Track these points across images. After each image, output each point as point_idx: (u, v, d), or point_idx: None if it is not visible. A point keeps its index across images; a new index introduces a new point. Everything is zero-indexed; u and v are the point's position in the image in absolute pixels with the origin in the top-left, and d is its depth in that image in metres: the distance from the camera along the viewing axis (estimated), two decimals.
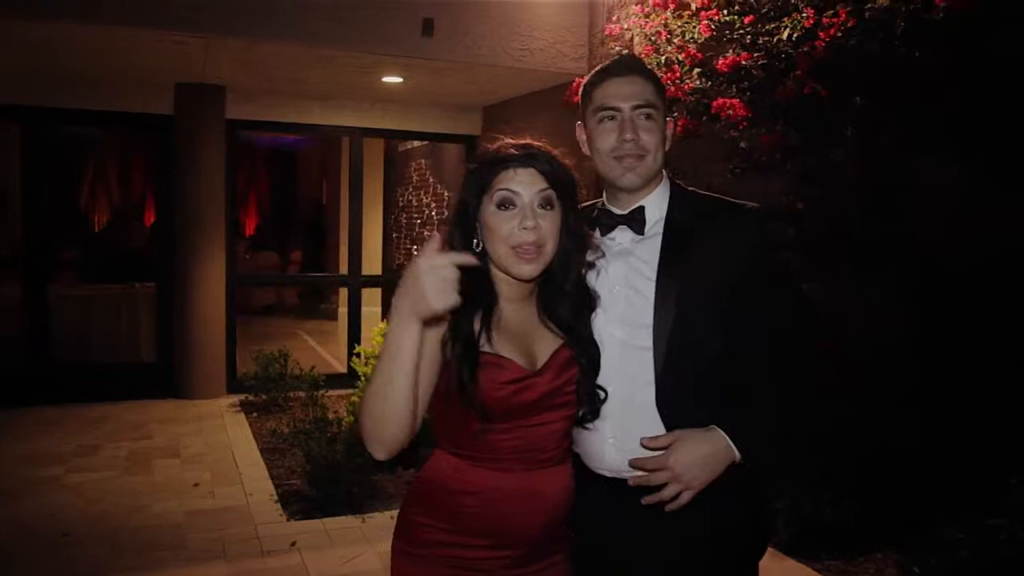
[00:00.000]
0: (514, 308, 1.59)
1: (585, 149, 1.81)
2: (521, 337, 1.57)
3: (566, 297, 1.62)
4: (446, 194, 8.18)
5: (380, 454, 1.43)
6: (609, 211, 1.78)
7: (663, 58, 4.73)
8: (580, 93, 1.83)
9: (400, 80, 6.02)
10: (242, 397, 6.43)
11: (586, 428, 1.68)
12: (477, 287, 1.50)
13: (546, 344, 1.59)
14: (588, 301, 1.66)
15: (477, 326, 1.49)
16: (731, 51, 4.43)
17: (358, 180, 7.26)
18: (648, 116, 1.71)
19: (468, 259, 1.38)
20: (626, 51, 4.97)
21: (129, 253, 7.91)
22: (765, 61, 4.36)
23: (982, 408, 3.78)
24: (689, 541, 1.65)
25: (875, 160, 4.20)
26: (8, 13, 4.48)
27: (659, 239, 1.72)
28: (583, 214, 1.75)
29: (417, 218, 9.04)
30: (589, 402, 1.62)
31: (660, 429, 1.63)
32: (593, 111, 1.75)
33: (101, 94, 6.29)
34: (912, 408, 4.02)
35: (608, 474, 1.68)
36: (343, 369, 7.08)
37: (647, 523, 1.64)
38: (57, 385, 6.35)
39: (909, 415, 4.02)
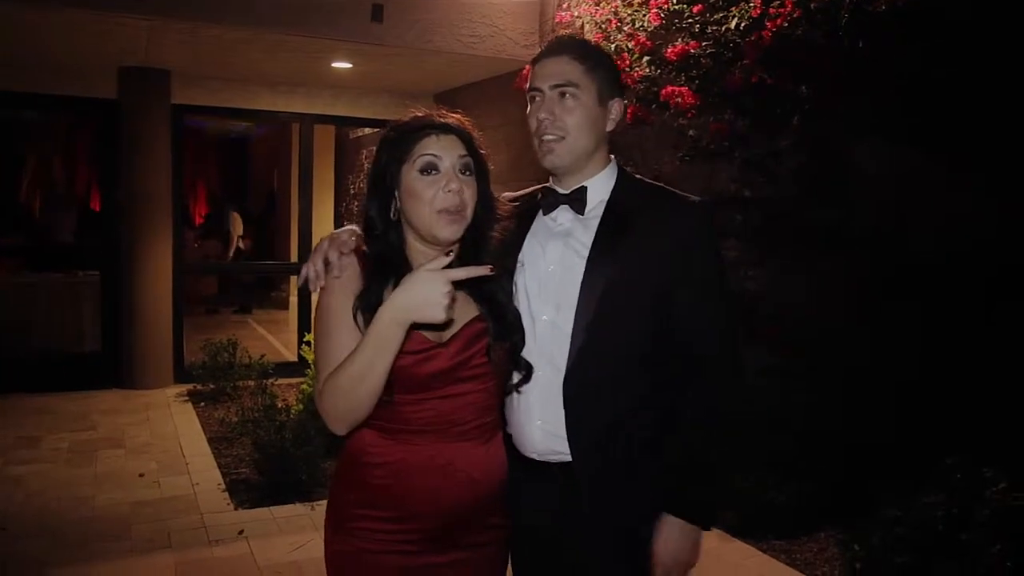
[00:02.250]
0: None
1: None
2: None
3: (483, 254, 1.62)
4: None
5: (343, 430, 1.50)
6: (553, 190, 1.77)
7: (613, 46, 4.75)
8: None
9: (350, 66, 5.96)
10: (190, 387, 6.33)
11: (515, 409, 1.68)
12: (391, 259, 1.56)
13: (459, 316, 1.56)
14: (505, 271, 1.67)
15: (386, 297, 1.46)
16: (680, 40, 4.47)
17: (308, 167, 7.17)
18: (565, 95, 1.67)
19: (474, 271, 1.44)
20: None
21: (72, 241, 7.69)
22: (714, 50, 4.41)
23: (923, 390, 3.89)
24: (619, 526, 1.67)
25: (820, 148, 4.30)
26: None
27: (597, 218, 1.71)
28: (522, 195, 1.83)
29: None
30: (507, 373, 1.63)
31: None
32: (527, 93, 1.75)
33: (40, 77, 6.11)
34: (855, 391, 4.12)
35: (537, 457, 1.68)
36: (293, 357, 7.01)
37: (574, 508, 1.65)
38: None
39: (852, 398, 4.12)
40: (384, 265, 1.54)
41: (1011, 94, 3.56)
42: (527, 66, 4.91)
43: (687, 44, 4.45)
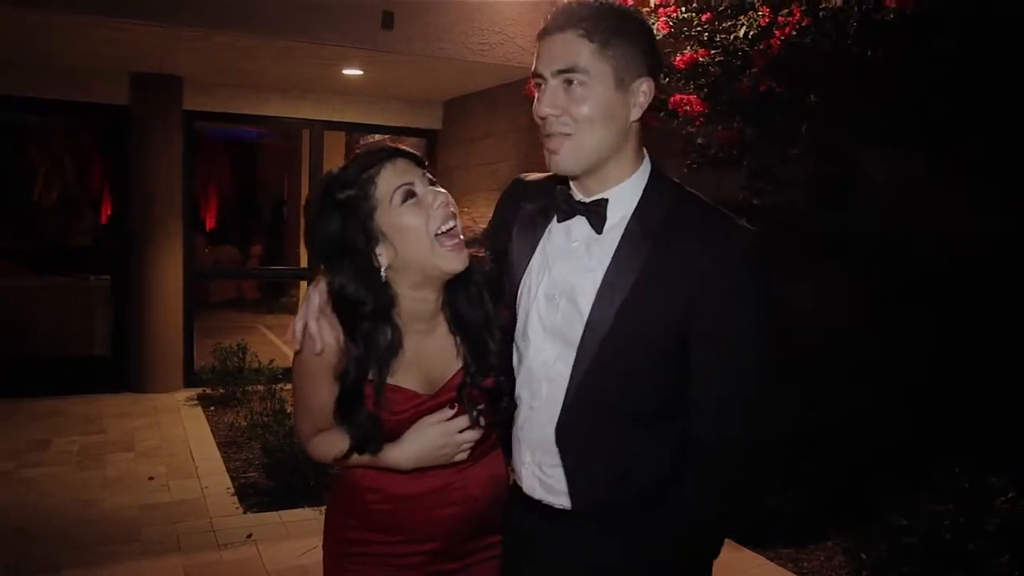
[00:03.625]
0: (418, 333, 1.52)
1: None
2: (421, 360, 1.52)
3: (473, 301, 1.54)
4: None
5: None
6: (570, 194, 1.46)
7: None
8: None
9: (360, 73, 5.99)
10: (200, 391, 6.37)
11: (511, 443, 1.55)
12: (378, 326, 1.47)
13: (447, 364, 1.53)
14: (494, 312, 1.55)
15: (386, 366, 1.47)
16: (689, 48, 4.49)
17: (318, 173, 7.21)
18: (574, 83, 1.35)
19: (470, 433, 1.48)
20: None
21: (83, 245, 7.75)
22: (722, 58, 4.43)
23: (930, 397, 3.89)
24: (609, 568, 1.47)
25: (829, 155, 4.30)
26: None
27: (616, 239, 1.41)
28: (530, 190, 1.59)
29: None
30: (480, 412, 1.53)
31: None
32: (532, 79, 1.43)
33: (53, 82, 6.15)
34: (861, 398, 4.12)
35: (534, 496, 1.51)
36: None
37: (567, 549, 1.49)
38: (6, 379, 6.20)
39: (859, 404, 4.12)
40: (369, 340, 1.46)
41: (1016, 100, 3.56)
42: None
43: (696, 52, 4.47)
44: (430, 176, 1.48)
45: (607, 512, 1.45)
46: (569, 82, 1.36)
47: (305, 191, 7.69)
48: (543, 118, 1.39)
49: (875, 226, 4.15)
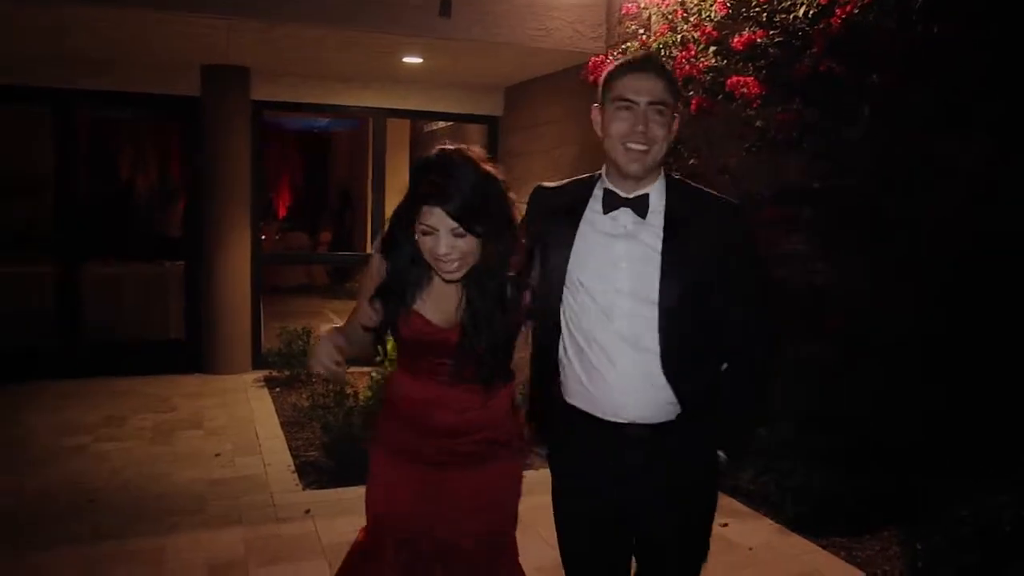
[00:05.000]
0: (442, 284, 1.99)
1: (598, 130, 2.00)
2: (439, 302, 1.99)
3: (485, 293, 1.95)
4: None
5: None
6: (615, 193, 1.98)
7: (679, 37, 4.72)
8: (602, 80, 2.01)
9: (420, 61, 6.07)
10: (266, 373, 6.58)
11: (594, 383, 1.95)
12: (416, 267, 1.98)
13: (454, 315, 1.99)
14: (504, 301, 1.98)
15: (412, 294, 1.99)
16: (747, 29, 4.42)
17: (380, 161, 7.34)
18: (660, 112, 1.90)
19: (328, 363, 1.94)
20: (643, 30, 4.97)
21: (160, 233, 8.07)
22: (781, 39, 4.34)
23: (995, 388, 3.76)
24: (677, 471, 1.97)
25: (891, 138, 4.18)
26: None
27: (659, 222, 1.95)
28: (562, 196, 2.09)
29: None
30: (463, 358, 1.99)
31: (662, 382, 1.92)
32: (612, 99, 1.93)
33: (130, 76, 6.42)
34: (925, 386, 4.01)
35: (621, 422, 1.94)
36: None
37: (641, 459, 1.95)
38: (87, 360, 6.53)
39: (922, 393, 4.01)
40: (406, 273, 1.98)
41: None
42: (592, 58, 4.92)
43: (754, 33, 4.39)
44: (460, 232, 1.85)
45: (690, 425, 1.96)
46: (659, 112, 1.90)
47: (371, 179, 7.82)
48: (632, 132, 1.90)
49: (938, 211, 4.01)
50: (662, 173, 2.00)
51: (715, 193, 2.04)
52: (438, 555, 2.03)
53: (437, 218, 1.83)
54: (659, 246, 1.91)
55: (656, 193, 1.96)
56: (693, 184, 2.07)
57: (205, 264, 6.68)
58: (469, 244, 1.86)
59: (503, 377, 2.05)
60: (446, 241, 1.85)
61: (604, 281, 1.93)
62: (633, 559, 2.10)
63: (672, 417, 1.94)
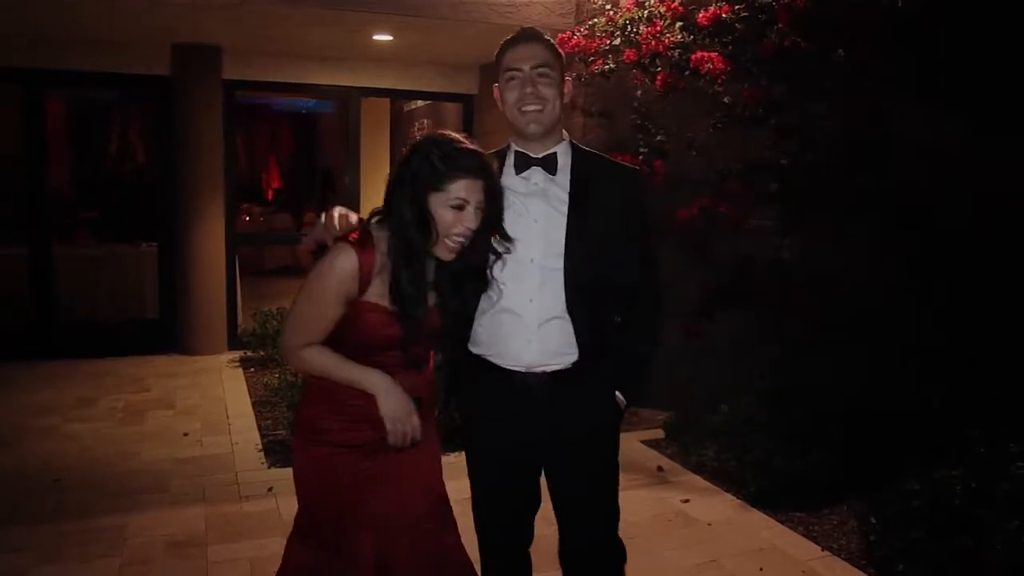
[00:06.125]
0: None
1: (500, 106, 2.15)
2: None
3: (457, 272, 1.99)
4: None
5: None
6: (524, 154, 2.14)
7: (646, 12, 4.69)
8: (495, 61, 2.16)
9: (391, 38, 6.02)
10: (242, 353, 6.59)
11: (501, 335, 2.08)
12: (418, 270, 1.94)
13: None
14: (472, 281, 2.03)
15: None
16: (712, 4, 4.39)
17: (356, 140, 7.30)
18: (545, 75, 2.06)
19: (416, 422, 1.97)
20: (610, 6, 4.94)
21: (134, 214, 8.01)
22: (747, 14, 4.32)
23: (955, 361, 3.78)
24: (578, 414, 2.12)
25: (856, 113, 4.17)
26: None
27: (566, 182, 2.13)
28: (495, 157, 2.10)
29: None
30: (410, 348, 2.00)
31: (568, 330, 2.06)
32: (502, 72, 2.11)
33: (100, 56, 6.35)
34: (886, 361, 4.03)
35: (523, 369, 2.07)
36: None
37: (542, 405, 2.09)
38: (62, 342, 6.53)
39: (883, 368, 4.03)
40: (411, 254, 1.89)
41: None
42: (561, 35, 4.89)
43: (719, 8, 4.36)
44: (483, 208, 1.91)
45: (589, 368, 2.10)
46: (542, 74, 2.05)
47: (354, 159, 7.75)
48: (523, 96, 2.07)
49: (902, 187, 4.01)
50: (566, 138, 2.18)
51: (611, 159, 2.28)
52: (401, 533, 2.00)
53: (472, 192, 1.88)
54: (567, 201, 2.08)
55: (563, 154, 2.14)
56: (594, 151, 2.27)
57: (179, 245, 6.66)
58: (479, 222, 1.93)
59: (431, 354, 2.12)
60: (473, 215, 1.89)
61: (518, 236, 2.04)
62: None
63: (569, 365, 2.09)
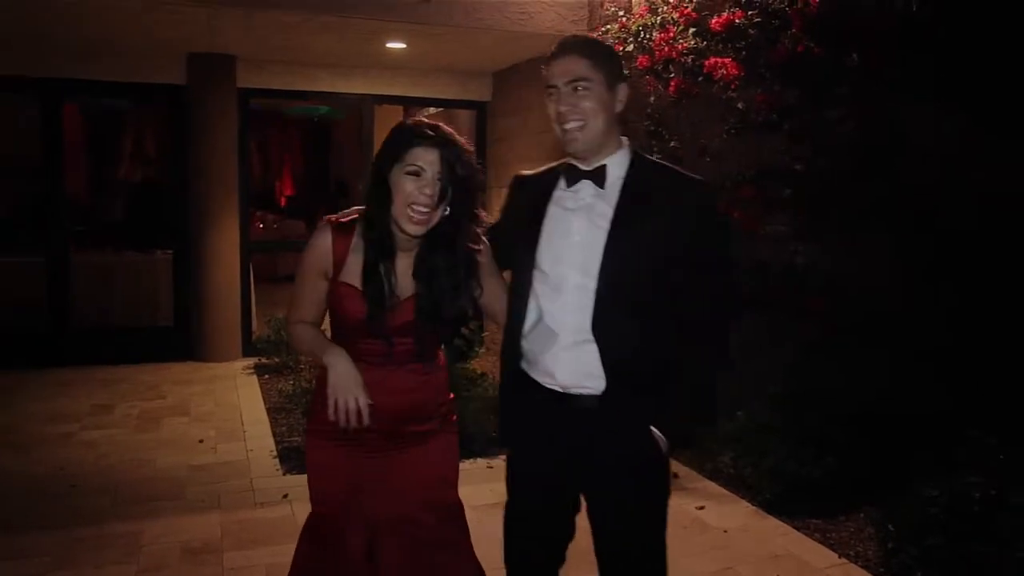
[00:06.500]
0: (402, 257, 2.01)
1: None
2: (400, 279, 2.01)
3: (433, 265, 1.99)
4: None
5: None
6: (576, 167, 2.02)
7: (659, 19, 4.69)
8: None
9: (404, 46, 6.04)
10: (256, 360, 6.61)
11: (541, 353, 1.99)
12: (382, 243, 1.98)
13: (403, 290, 2.00)
14: (461, 280, 2.02)
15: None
16: (726, 10, 4.39)
17: (369, 147, 7.32)
18: (583, 87, 1.93)
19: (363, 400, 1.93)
20: (623, 12, 4.95)
21: (149, 221, 8.07)
22: (760, 19, 4.31)
23: (970, 366, 3.75)
24: (624, 448, 1.97)
25: (870, 118, 4.15)
26: None
27: (616, 195, 1.97)
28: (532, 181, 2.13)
29: None
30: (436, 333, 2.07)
31: (595, 352, 1.93)
32: (544, 88, 2.02)
33: (117, 65, 6.42)
34: (901, 367, 4.00)
35: (560, 389, 1.98)
36: None
37: (591, 430, 1.97)
38: (78, 348, 6.58)
39: (898, 373, 3.99)
40: (382, 247, 1.96)
41: None
42: None
43: (732, 14, 4.36)
44: (440, 174, 1.91)
45: (622, 396, 1.94)
46: (576, 88, 1.94)
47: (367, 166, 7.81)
48: (560, 113, 1.97)
49: (916, 192, 3.99)
50: (625, 148, 2.03)
51: (680, 170, 2.05)
52: (391, 532, 2.04)
53: (427, 159, 1.90)
54: (610, 217, 1.94)
55: (616, 165, 1.99)
56: (662, 162, 2.08)
57: (193, 252, 6.70)
58: (443, 201, 1.92)
59: (436, 354, 2.11)
60: (431, 183, 1.89)
61: (558, 254, 1.98)
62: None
63: (600, 391, 1.95)
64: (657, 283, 1.94)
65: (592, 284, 1.93)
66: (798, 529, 3.65)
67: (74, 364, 6.45)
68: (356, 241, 1.98)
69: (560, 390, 1.98)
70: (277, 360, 6.40)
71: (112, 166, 8.29)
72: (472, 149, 1.99)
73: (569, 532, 2.14)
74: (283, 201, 13.32)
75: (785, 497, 3.81)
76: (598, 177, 1.98)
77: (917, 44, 3.89)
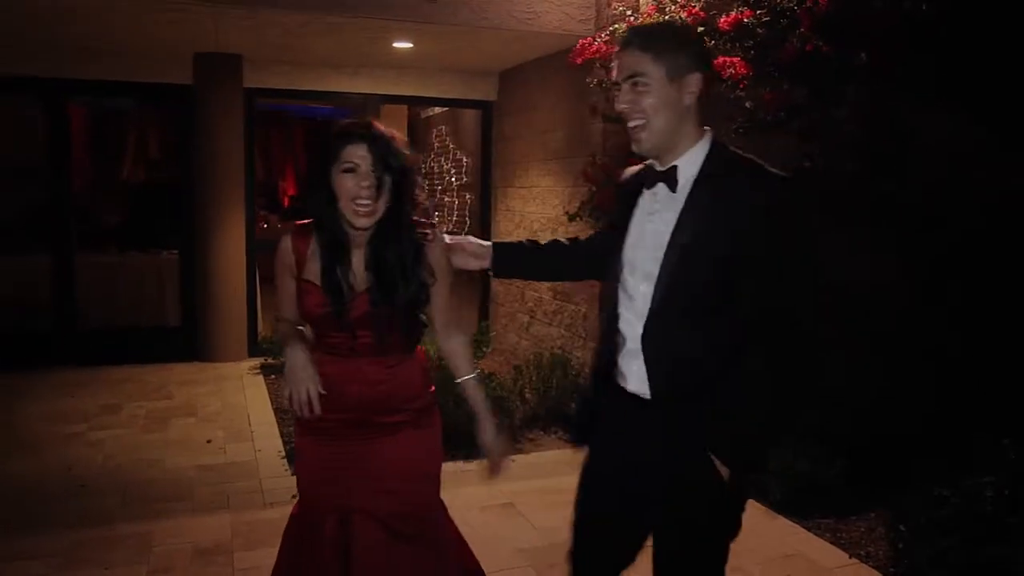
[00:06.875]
0: (356, 253, 2.12)
1: None
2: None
3: (392, 254, 2.09)
4: (465, 160, 8.20)
5: None
6: (652, 167, 1.94)
7: (666, 18, 4.67)
8: None
9: (410, 46, 6.04)
10: (262, 360, 6.61)
11: (622, 355, 1.94)
12: (335, 241, 2.10)
13: (359, 284, 2.10)
14: (408, 265, 2.10)
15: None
16: (734, 9, 4.37)
17: None
18: (640, 83, 1.82)
19: (313, 390, 2.03)
20: (631, 12, 4.93)
21: (155, 222, 8.07)
22: (768, 18, 4.30)
23: (980, 367, 3.74)
24: (674, 465, 1.87)
25: (879, 117, 4.14)
26: None
27: (684, 196, 1.86)
28: None
29: (438, 184, 9.10)
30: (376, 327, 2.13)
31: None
32: (613, 88, 1.95)
33: (122, 65, 6.42)
34: (910, 367, 3.99)
35: (634, 391, 1.92)
36: None
37: (665, 436, 1.88)
38: (85, 349, 6.59)
39: (907, 374, 3.99)
40: (335, 244, 2.09)
41: None
42: (581, 40, 4.89)
43: (741, 13, 4.35)
44: (376, 168, 1.99)
45: (675, 403, 1.86)
46: (634, 84, 1.84)
47: None
48: (623, 112, 1.88)
49: (924, 192, 3.98)
50: (704, 140, 1.88)
51: (761, 164, 1.85)
52: (363, 521, 2.11)
53: (358, 155, 1.99)
54: (674, 222, 1.84)
55: (689, 164, 1.86)
56: (741, 156, 1.90)
57: (199, 252, 6.70)
58: (382, 191, 2.02)
59: (404, 348, 2.19)
60: (368, 176, 1.99)
61: (632, 261, 1.93)
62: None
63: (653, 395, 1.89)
64: (717, 292, 1.81)
65: (651, 292, 1.86)
66: (808, 529, 3.65)
67: (80, 365, 6.46)
68: (315, 241, 2.11)
69: (632, 391, 1.93)
70: (283, 360, 6.37)
71: (117, 166, 8.27)
72: (404, 139, 2.08)
73: (627, 545, 2.05)
74: (286, 201, 13.32)
75: (795, 497, 3.80)
76: (670, 179, 1.86)
77: (923, 43, 3.88)
